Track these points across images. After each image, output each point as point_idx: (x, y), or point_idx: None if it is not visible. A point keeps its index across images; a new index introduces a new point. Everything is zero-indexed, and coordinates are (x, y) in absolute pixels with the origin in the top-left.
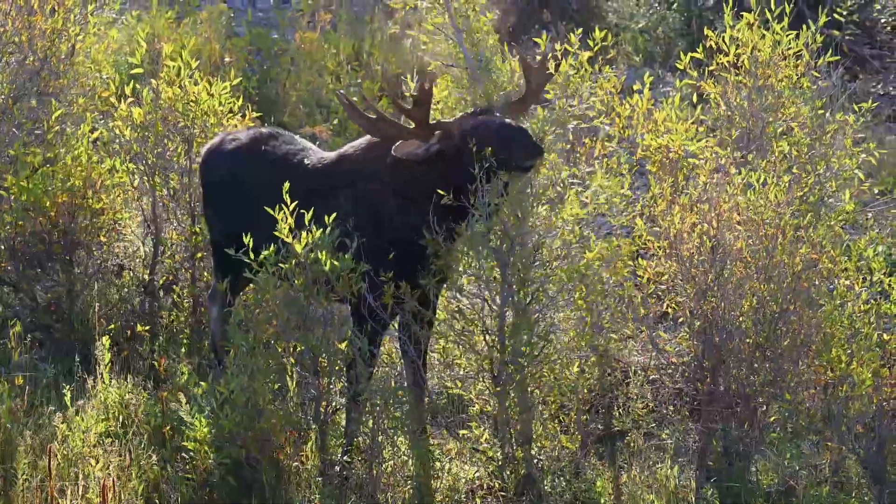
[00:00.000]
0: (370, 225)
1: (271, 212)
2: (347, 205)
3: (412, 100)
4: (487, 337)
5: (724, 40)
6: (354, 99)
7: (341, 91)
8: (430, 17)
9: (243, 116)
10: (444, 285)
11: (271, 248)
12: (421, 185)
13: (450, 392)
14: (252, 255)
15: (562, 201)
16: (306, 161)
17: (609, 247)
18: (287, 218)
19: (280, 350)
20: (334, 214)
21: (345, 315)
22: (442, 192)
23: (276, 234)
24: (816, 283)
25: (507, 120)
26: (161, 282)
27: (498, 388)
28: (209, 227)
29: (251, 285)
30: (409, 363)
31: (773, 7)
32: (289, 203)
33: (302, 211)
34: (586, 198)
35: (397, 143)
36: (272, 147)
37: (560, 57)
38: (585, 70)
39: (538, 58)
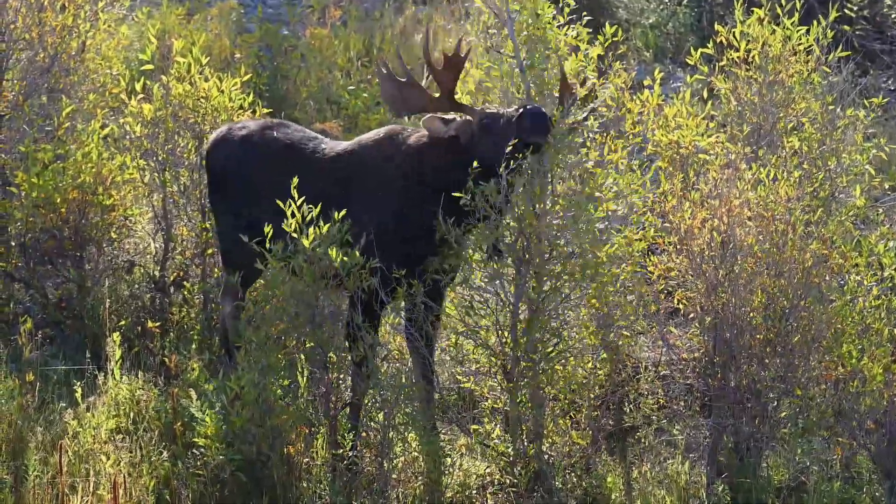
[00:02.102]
0: (384, 212)
1: (282, 205)
2: (363, 193)
3: (445, 59)
4: (500, 333)
5: (734, 36)
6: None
7: (383, 60)
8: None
9: (254, 112)
10: (452, 280)
11: (279, 242)
12: (435, 173)
13: (461, 387)
14: (266, 244)
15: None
16: (323, 146)
17: (622, 244)
18: (295, 213)
19: (290, 346)
20: (344, 210)
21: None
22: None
23: (285, 227)
24: (827, 278)
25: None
26: (172, 278)
27: (510, 385)
28: (217, 219)
29: (261, 280)
30: (417, 358)
31: (783, 2)
32: (300, 195)
33: (319, 200)
34: (611, 198)
35: (425, 116)
36: (284, 134)
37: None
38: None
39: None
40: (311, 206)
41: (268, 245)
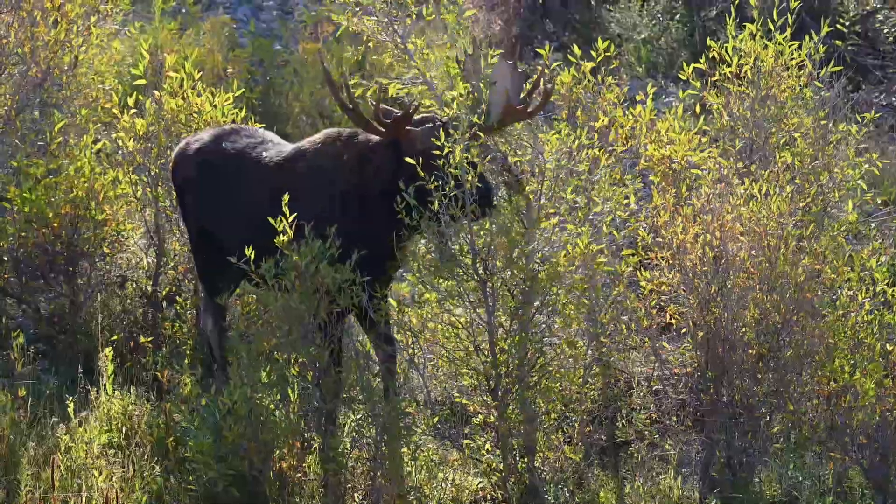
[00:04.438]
0: (332, 218)
1: (273, 221)
2: (308, 199)
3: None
4: (481, 354)
5: (726, 51)
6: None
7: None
8: (396, 65)
9: None
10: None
11: (249, 248)
12: (385, 171)
13: (453, 402)
14: (229, 256)
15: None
16: (265, 154)
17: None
18: (287, 230)
19: (281, 361)
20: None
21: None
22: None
23: (266, 239)
24: (819, 293)
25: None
26: (164, 293)
27: (496, 402)
28: (188, 233)
29: (239, 291)
30: (381, 362)
31: (775, 18)
32: (249, 204)
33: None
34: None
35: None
36: (232, 143)
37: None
38: (588, 81)
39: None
40: (259, 214)
41: (232, 252)
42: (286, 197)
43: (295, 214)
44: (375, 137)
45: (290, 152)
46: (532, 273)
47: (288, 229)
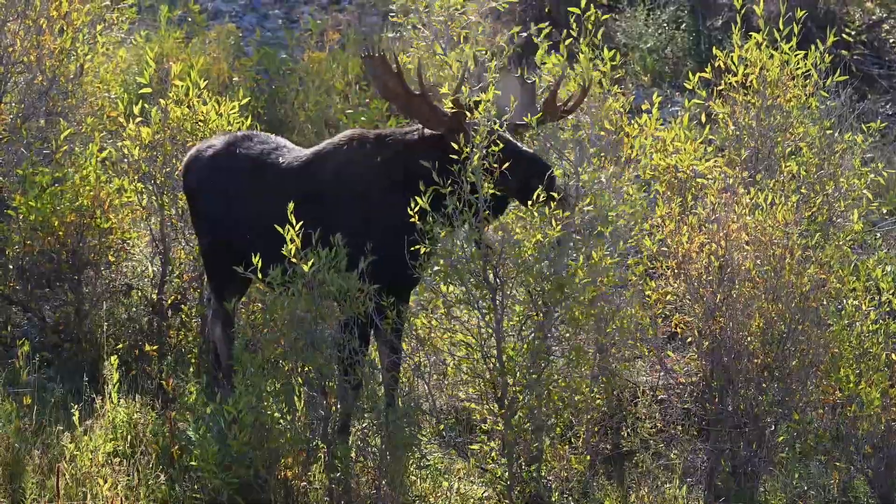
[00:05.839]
0: (359, 222)
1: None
2: (332, 203)
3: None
4: (489, 361)
5: (732, 60)
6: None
7: (380, 54)
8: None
9: None
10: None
11: (257, 257)
12: (419, 176)
13: (459, 410)
14: (243, 262)
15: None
16: (281, 159)
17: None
18: (295, 238)
19: (287, 369)
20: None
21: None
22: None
23: (271, 245)
24: (825, 302)
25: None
26: (169, 301)
27: (503, 411)
28: (199, 239)
29: (244, 297)
30: (384, 366)
31: (781, 27)
32: (269, 211)
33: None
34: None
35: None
36: (247, 148)
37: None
38: (595, 89)
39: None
40: (280, 220)
41: (246, 258)
42: (303, 202)
43: (307, 220)
44: (413, 135)
45: (311, 156)
46: (542, 285)
47: (296, 238)
